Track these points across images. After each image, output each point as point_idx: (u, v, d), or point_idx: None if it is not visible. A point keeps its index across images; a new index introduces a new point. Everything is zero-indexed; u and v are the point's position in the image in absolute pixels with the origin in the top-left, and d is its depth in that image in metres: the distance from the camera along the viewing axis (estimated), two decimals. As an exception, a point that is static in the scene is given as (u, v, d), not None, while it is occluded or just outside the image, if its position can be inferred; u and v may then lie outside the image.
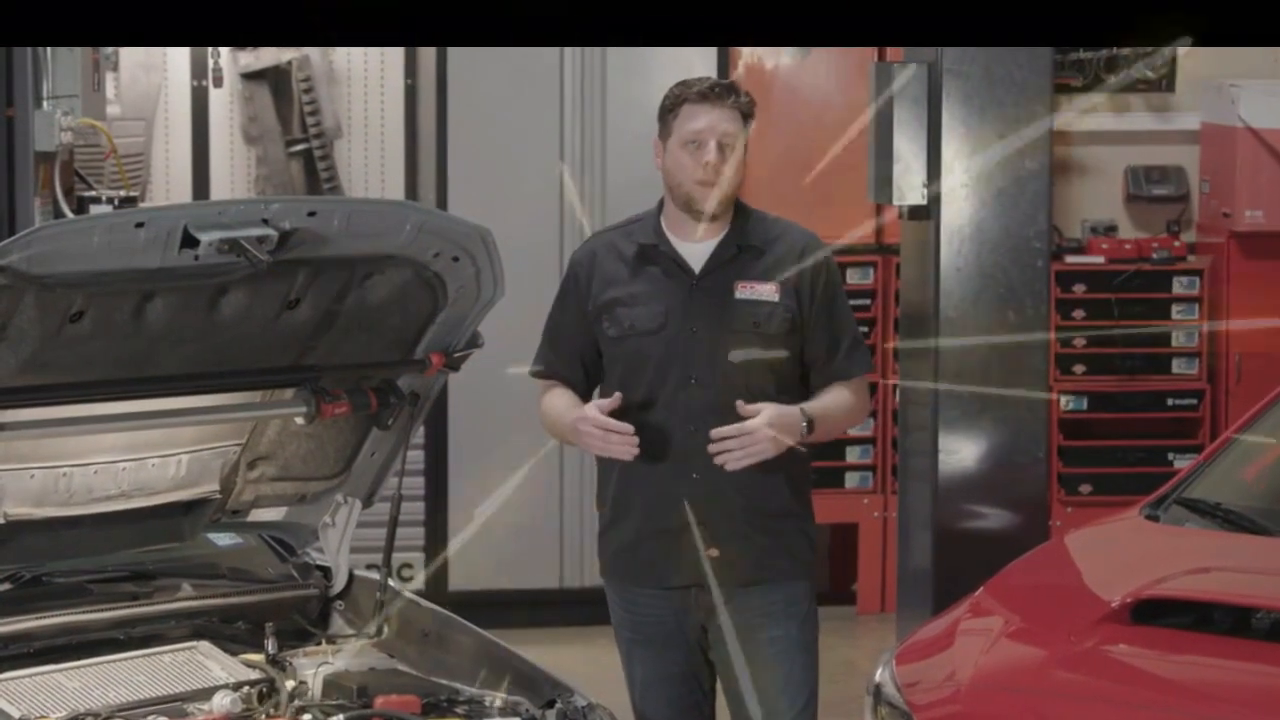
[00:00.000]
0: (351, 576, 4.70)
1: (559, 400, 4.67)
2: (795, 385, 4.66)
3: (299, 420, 4.40)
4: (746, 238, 4.63)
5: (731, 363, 4.56)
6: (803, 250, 4.63)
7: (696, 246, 4.62)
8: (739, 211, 4.65)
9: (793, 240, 4.65)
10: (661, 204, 4.68)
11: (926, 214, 6.62)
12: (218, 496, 4.62)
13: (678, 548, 4.60)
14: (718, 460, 4.49)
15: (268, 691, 4.19)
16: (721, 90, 4.56)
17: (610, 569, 4.75)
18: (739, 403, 4.49)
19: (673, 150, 4.57)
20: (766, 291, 4.59)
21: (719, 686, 4.75)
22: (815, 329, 4.63)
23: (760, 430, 4.46)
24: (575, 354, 4.69)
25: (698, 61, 7.51)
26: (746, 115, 4.57)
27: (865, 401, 4.75)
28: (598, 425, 4.49)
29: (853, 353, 4.67)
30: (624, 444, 4.48)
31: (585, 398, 4.66)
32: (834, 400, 4.63)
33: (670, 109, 4.58)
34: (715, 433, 4.48)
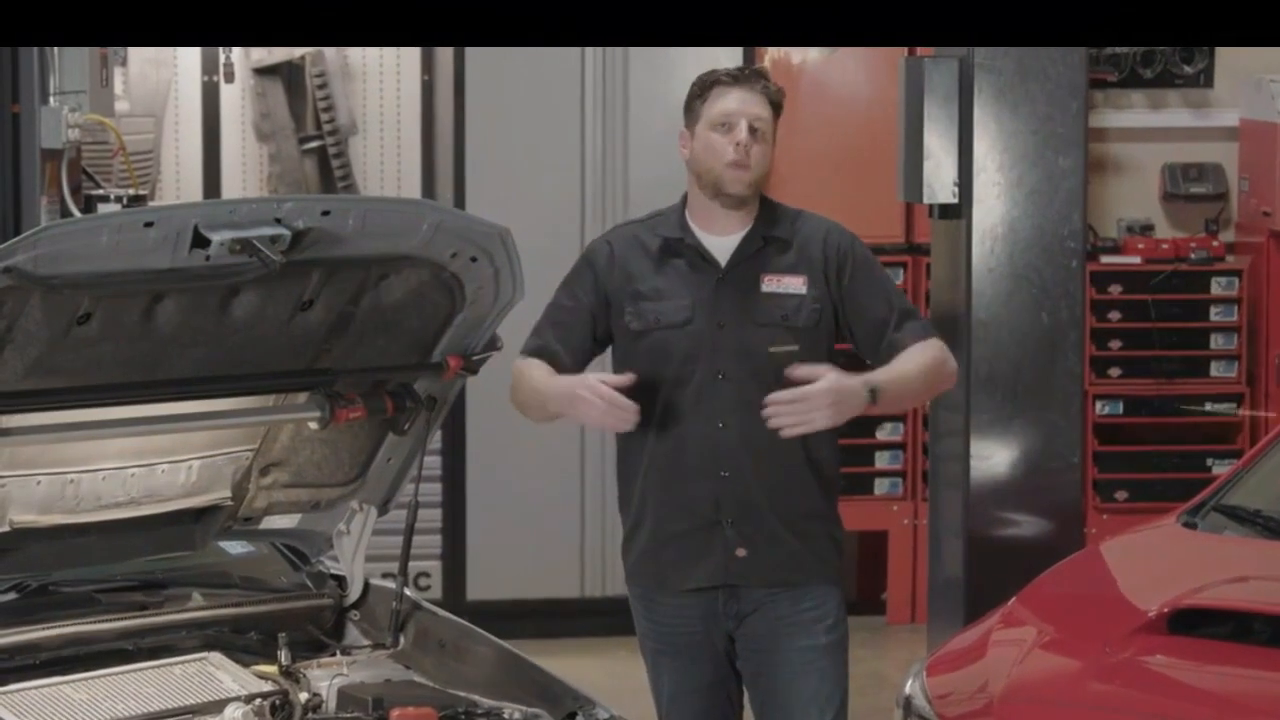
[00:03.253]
0: (367, 585, 4.66)
1: (539, 369, 4.54)
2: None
3: (313, 425, 4.35)
4: (772, 229, 4.58)
5: (760, 357, 4.49)
6: (825, 237, 4.57)
7: (722, 239, 4.57)
8: (763, 203, 4.60)
9: (815, 228, 4.60)
10: (684, 199, 4.63)
11: (958, 213, 6.60)
12: (229, 503, 4.57)
13: (704, 548, 4.53)
14: (771, 424, 4.36)
15: (281, 704, 4.15)
16: (752, 74, 4.57)
17: (635, 573, 4.67)
18: (797, 366, 4.36)
19: (702, 134, 4.53)
20: (794, 284, 4.53)
21: (746, 698, 4.68)
22: (856, 311, 4.54)
23: (818, 397, 4.34)
24: (573, 343, 4.57)
25: (723, 59, 7.43)
26: (776, 105, 4.54)
27: (944, 362, 4.56)
28: (599, 394, 4.35)
29: (906, 320, 4.54)
30: (622, 417, 4.35)
31: None
32: (905, 365, 4.49)
33: (699, 94, 4.55)
34: (771, 397, 4.36)
